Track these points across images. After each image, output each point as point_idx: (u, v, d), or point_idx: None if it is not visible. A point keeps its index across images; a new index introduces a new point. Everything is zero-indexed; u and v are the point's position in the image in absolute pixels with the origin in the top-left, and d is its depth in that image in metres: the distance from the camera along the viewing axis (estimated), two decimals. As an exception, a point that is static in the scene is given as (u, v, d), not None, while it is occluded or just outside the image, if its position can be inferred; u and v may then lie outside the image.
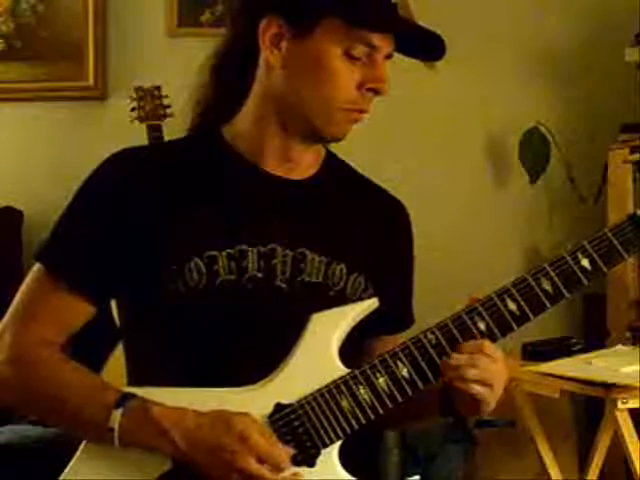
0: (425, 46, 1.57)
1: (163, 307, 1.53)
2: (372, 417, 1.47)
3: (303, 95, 1.54)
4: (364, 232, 1.64)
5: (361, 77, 1.53)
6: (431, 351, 1.48)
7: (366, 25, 1.51)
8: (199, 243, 1.53)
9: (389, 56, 1.56)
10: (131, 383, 1.60)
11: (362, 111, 1.56)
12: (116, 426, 1.45)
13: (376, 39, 1.52)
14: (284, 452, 1.44)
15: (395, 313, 1.67)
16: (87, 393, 1.50)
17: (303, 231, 1.58)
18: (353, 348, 1.53)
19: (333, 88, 1.53)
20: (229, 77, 1.61)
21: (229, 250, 1.54)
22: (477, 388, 1.46)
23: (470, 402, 1.49)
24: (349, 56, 1.52)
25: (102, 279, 1.56)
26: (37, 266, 1.58)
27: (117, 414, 1.46)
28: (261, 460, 1.42)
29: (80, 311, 1.57)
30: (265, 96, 1.58)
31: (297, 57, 1.54)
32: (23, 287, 1.58)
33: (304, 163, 1.63)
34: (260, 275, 1.55)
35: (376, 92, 1.55)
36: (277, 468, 1.43)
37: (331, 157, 1.68)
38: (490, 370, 1.47)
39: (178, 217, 1.55)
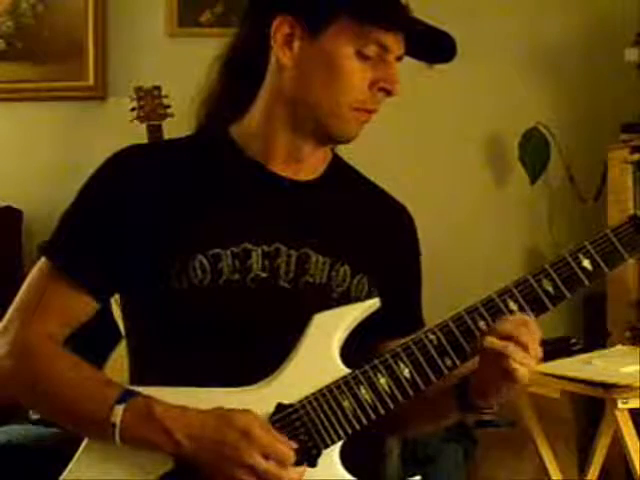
0: (435, 47, 1.57)
1: (166, 304, 1.54)
2: (373, 417, 1.47)
3: (315, 95, 1.55)
4: (368, 234, 1.65)
5: (373, 77, 1.54)
6: (432, 351, 1.48)
7: (379, 24, 1.52)
8: (204, 241, 1.54)
9: (399, 58, 1.56)
10: (133, 382, 1.60)
11: (372, 111, 1.57)
12: (118, 421, 1.45)
13: (388, 39, 1.53)
14: (287, 446, 1.44)
15: (403, 316, 1.67)
16: (90, 388, 1.51)
17: (307, 232, 1.58)
18: (357, 348, 1.53)
19: (346, 87, 1.53)
20: (238, 77, 1.61)
21: (233, 248, 1.54)
22: (511, 362, 1.44)
23: (493, 381, 1.47)
24: (361, 55, 1.53)
25: (106, 276, 1.56)
26: (42, 260, 1.58)
27: (119, 409, 1.46)
28: (265, 455, 1.42)
29: (84, 307, 1.58)
30: (276, 96, 1.58)
31: (309, 57, 1.54)
32: (28, 281, 1.59)
33: (311, 164, 1.63)
34: (264, 275, 1.55)
35: (388, 92, 1.55)
36: (282, 462, 1.43)
37: (337, 159, 1.68)
38: (531, 347, 1.45)
39: (183, 214, 1.55)
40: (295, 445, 1.45)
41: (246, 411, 1.44)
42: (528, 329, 1.46)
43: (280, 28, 1.55)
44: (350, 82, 1.53)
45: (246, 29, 1.62)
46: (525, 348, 1.45)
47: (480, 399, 1.52)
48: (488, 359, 1.46)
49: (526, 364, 1.45)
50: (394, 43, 1.54)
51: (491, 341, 1.45)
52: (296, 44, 1.55)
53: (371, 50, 1.53)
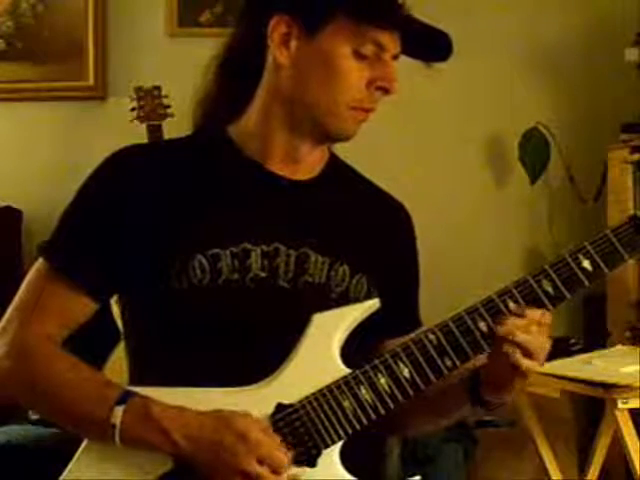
0: (431, 46, 1.57)
1: (165, 304, 1.53)
2: (373, 417, 1.47)
3: (313, 94, 1.55)
4: (367, 233, 1.65)
5: (370, 76, 1.54)
6: (432, 351, 1.48)
7: (375, 23, 1.52)
8: (203, 241, 1.54)
9: (396, 57, 1.56)
10: (132, 382, 1.59)
11: (369, 110, 1.57)
12: (118, 422, 1.45)
13: (384, 38, 1.53)
14: (284, 454, 1.43)
15: (401, 315, 1.67)
16: (89, 389, 1.51)
17: (306, 231, 1.58)
18: (356, 348, 1.53)
19: (343, 87, 1.53)
20: (235, 76, 1.61)
21: (233, 248, 1.54)
22: (519, 357, 1.44)
23: (502, 374, 1.48)
24: (358, 55, 1.53)
25: (105, 276, 1.56)
26: (40, 261, 1.58)
27: (119, 410, 1.46)
28: (260, 460, 1.42)
29: (82, 307, 1.57)
30: (273, 95, 1.58)
31: (306, 56, 1.54)
32: (26, 281, 1.59)
33: (309, 164, 1.63)
34: (263, 274, 1.55)
35: (385, 90, 1.55)
36: (276, 469, 1.42)
37: (334, 158, 1.68)
38: (537, 340, 1.46)
39: (182, 214, 1.55)
40: (292, 452, 1.44)
41: (246, 414, 1.44)
42: (541, 322, 1.47)
43: (277, 27, 1.55)
44: (347, 81, 1.53)
45: (243, 29, 1.62)
46: (532, 340, 1.45)
47: (492, 394, 1.52)
48: (497, 351, 1.47)
49: (535, 358, 1.46)
50: (390, 42, 1.54)
51: (506, 330, 1.45)
52: (293, 43, 1.55)
53: (368, 49, 1.53)
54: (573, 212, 3.89)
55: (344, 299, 1.57)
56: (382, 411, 1.47)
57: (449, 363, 1.48)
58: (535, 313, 1.47)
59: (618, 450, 2.93)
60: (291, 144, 1.60)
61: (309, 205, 1.61)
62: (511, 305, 1.48)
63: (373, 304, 1.54)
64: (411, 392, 1.48)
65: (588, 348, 3.18)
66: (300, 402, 1.47)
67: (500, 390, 1.51)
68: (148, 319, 1.57)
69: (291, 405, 1.47)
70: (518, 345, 1.45)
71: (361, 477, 1.49)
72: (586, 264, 1.50)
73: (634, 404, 2.74)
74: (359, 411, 1.47)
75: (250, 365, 1.49)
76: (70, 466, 1.51)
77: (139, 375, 1.61)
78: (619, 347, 3.19)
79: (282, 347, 1.49)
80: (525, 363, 1.45)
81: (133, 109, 3.53)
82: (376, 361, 1.48)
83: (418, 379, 1.48)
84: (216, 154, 1.61)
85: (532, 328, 1.46)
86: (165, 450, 1.45)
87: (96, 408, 1.48)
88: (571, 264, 1.49)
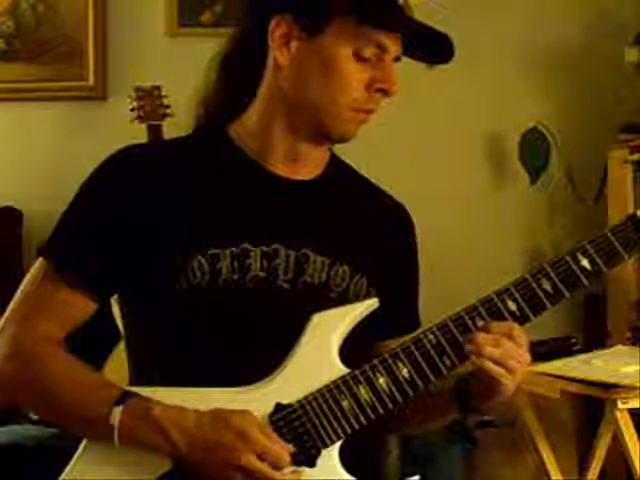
0: (433, 48, 1.57)
1: (165, 305, 1.54)
2: (372, 417, 1.48)
3: (312, 95, 1.55)
4: (367, 234, 1.65)
5: (370, 77, 1.54)
6: (431, 351, 1.48)
7: (376, 25, 1.52)
8: (202, 241, 1.54)
9: (397, 59, 1.56)
10: (132, 382, 1.60)
11: (369, 111, 1.57)
12: (116, 423, 1.45)
13: (386, 40, 1.53)
14: (284, 449, 1.44)
15: (401, 315, 1.67)
16: (88, 389, 1.51)
17: (306, 232, 1.59)
18: (355, 348, 1.53)
19: (342, 88, 1.53)
20: (236, 76, 1.62)
21: (232, 249, 1.54)
22: (494, 368, 1.45)
23: (487, 386, 1.48)
24: (358, 57, 1.53)
25: (104, 276, 1.56)
26: (40, 261, 1.58)
27: (118, 411, 1.46)
28: (261, 457, 1.42)
29: (82, 307, 1.57)
30: (273, 96, 1.58)
31: (307, 57, 1.54)
32: (26, 281, 1.59)
33: (309, 164, 1.63)
34: (263, 275, 1.55)
35: (385, 93, 1.55)
36: (276, 465, 1.43)
37: (335, 159, 1.68)
38: (511, 354, 1.46)
39: (181, 215, 1.55)
40: (292, 448, 1.45)
41: (244, 412, 1.44)
42: (510, 335, 1.46)
43: (278, 28, 1.55)
44: (348, 83, 1.53)
45: (243, 29, 1.62)
46: (504, 352, 1.45)
47: (481, 400, 1.52)
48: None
49: (503, 367, 1.46)
50: (391, 44, 1.54)
51: (474, 361, 1.46)
52: (293, 44, 1.55)
53: (368, 51, 1.53)
54: (573, 212, 3.89)
55: (343, 299, 1.57)
56: (381, 411, 1.48)
57: (448, 363, 1.49)
58: (501, 327, 1.47)
59: (618, 450, 2.93)
60: (291, 144, 1.60)
61: (309, 205, 1.61)
62: (479, 322, 1.48)
63: (372, 303, 1.54)
64: (410, 392, 1.48)
65: (588, 348, 3.18)
66: (299, 402, 1.47)
67: (490, 396, 1.51)
68: (148, 319, 1.57)
69: (290, 405, 1.47)
70: (488, 358, 1.45)
71: (360, 477, 1.49)
72: (585, 263, 1.50)
73: (634, 404, 2.74)
74: (358, 411, 1.47)
75: (249, 365, 1.50)
76: (70, 466, 1.51)
77: (139, 375, 1.61)
78: (619, 347, 3.19)
79: (281, 347, 1.50)
80: (499, 373, 1.45)
81: (133, 109, 3.53)
82: (375, 361, 1.48)
83: (417, 379, 1.48)
84: (216, 154, 1.62)
85: (503, 342, 1.46)
86: (164, 450, 1.45)
87: (95, 409, 1.48)
88: (570, 263, 1.49)
